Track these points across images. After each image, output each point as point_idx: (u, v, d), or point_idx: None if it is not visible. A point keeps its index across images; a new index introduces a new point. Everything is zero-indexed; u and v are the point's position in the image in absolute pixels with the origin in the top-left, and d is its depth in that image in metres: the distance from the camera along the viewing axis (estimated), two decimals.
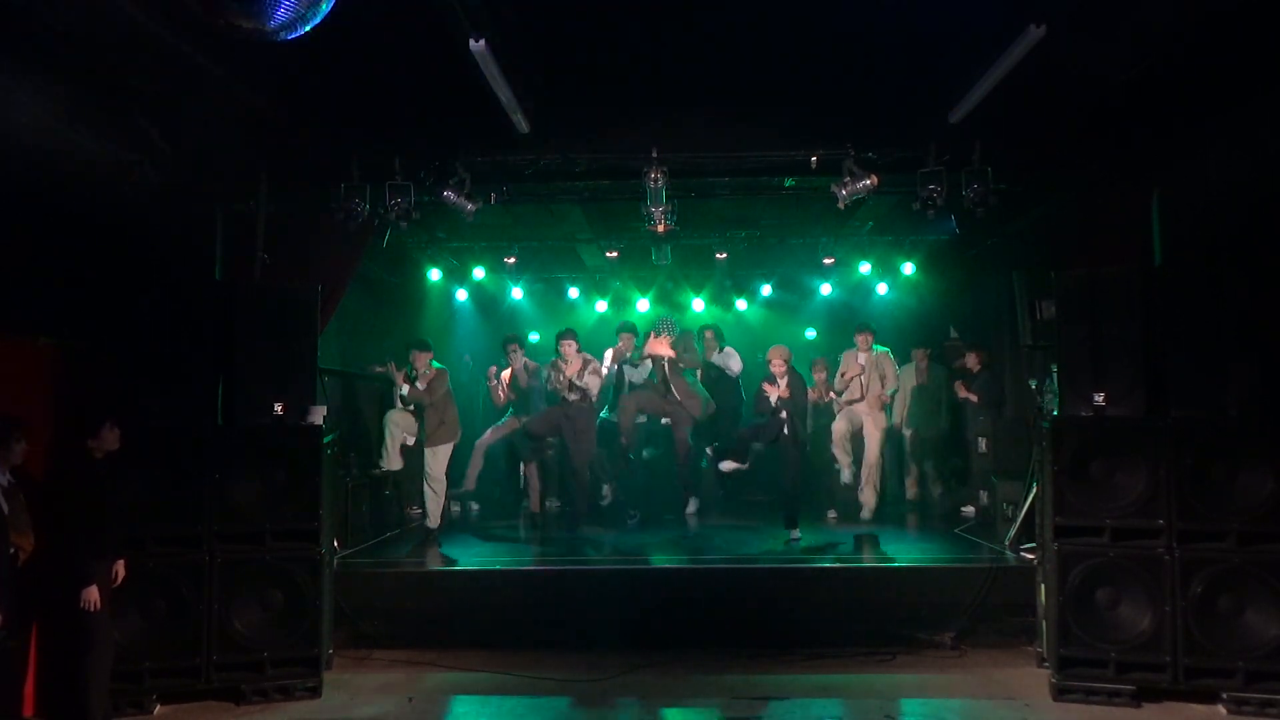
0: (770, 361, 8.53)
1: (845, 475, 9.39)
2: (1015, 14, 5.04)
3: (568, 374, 8.69)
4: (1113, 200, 7.27)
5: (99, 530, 5.25)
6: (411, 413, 9.01)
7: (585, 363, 8.87)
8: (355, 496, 8.69)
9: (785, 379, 8.27)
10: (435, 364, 8.82)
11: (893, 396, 9.68)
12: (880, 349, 9.54)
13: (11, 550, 4.93)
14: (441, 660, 6.55)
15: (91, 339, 6.16)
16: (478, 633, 6.84)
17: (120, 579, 5.43)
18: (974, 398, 9.55)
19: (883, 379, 9.48)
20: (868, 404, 9.35)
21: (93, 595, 5.10)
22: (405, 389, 8.74)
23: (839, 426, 9.43)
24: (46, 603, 5.24)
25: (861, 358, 9.42)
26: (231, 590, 5.88)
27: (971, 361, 9.74)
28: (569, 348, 8.86)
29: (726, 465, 8.57)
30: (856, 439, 9.43)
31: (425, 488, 8.76)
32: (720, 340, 10.00)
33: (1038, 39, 5.06)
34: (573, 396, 8.73)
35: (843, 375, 9.37)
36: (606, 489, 9.33)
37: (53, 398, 5.91)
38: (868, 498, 9.24)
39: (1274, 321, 5.84)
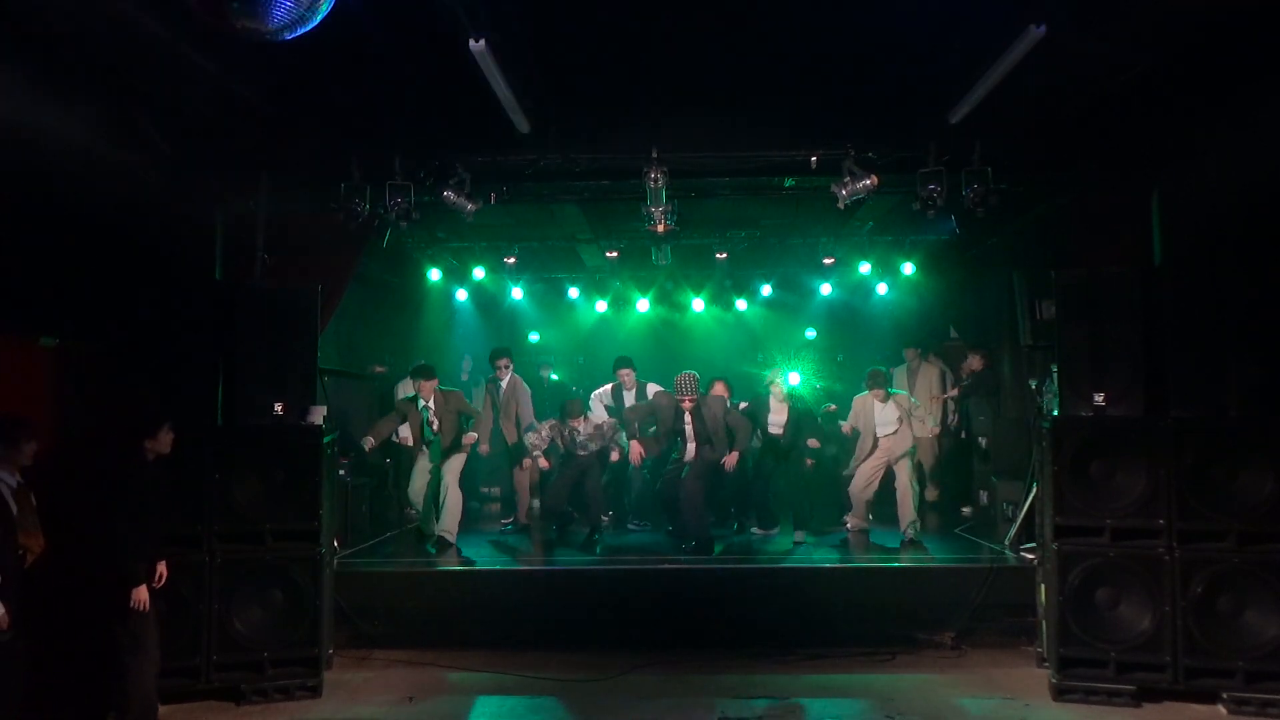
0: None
1: (850, 522, 8.89)
2: (1015, 14, 5.04)
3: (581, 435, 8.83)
4: (1113, 200, 7.27)
5: (146, 532, 5.27)
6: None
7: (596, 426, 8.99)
8: (355, 496, 8.68)
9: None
10: (442, 388, 8.60)
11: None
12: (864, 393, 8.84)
13: (20, 551, 4.94)
14: (441, 660, 6.56)
15: (92, 339, 6.16)
16: (478, 633, 6.85)
17: (163, 579, 5.45)
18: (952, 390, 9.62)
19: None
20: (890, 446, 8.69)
21: (142, 595, 5.12)
22: (434, 422, 8.42)
23: (863, 476, 8.78)
24: (91, 603, 5.26)
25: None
26: (231, 590, 5.89)
27: (975, 363, 9.75)
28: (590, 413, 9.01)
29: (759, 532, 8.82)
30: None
31: (443, 502, 8.40)
32: (730, 392, 9.41)
33: (1037, 39, 5.06)
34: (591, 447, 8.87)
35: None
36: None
37: (53, 398, 5.92)
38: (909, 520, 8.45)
39: (1274, 321, 5.83)
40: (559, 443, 8.89)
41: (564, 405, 9.00)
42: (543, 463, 8.90)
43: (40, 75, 5.07)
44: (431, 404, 8.42)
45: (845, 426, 8.96)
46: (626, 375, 9.49)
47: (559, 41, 5.70)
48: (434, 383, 8.48)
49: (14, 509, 4.88)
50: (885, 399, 8.64)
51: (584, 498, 8.89)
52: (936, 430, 9.47)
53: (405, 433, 9.10)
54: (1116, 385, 5.97)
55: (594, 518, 8.82)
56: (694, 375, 8.37)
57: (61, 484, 5.43)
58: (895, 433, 8.59)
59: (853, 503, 8.92)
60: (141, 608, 5.11)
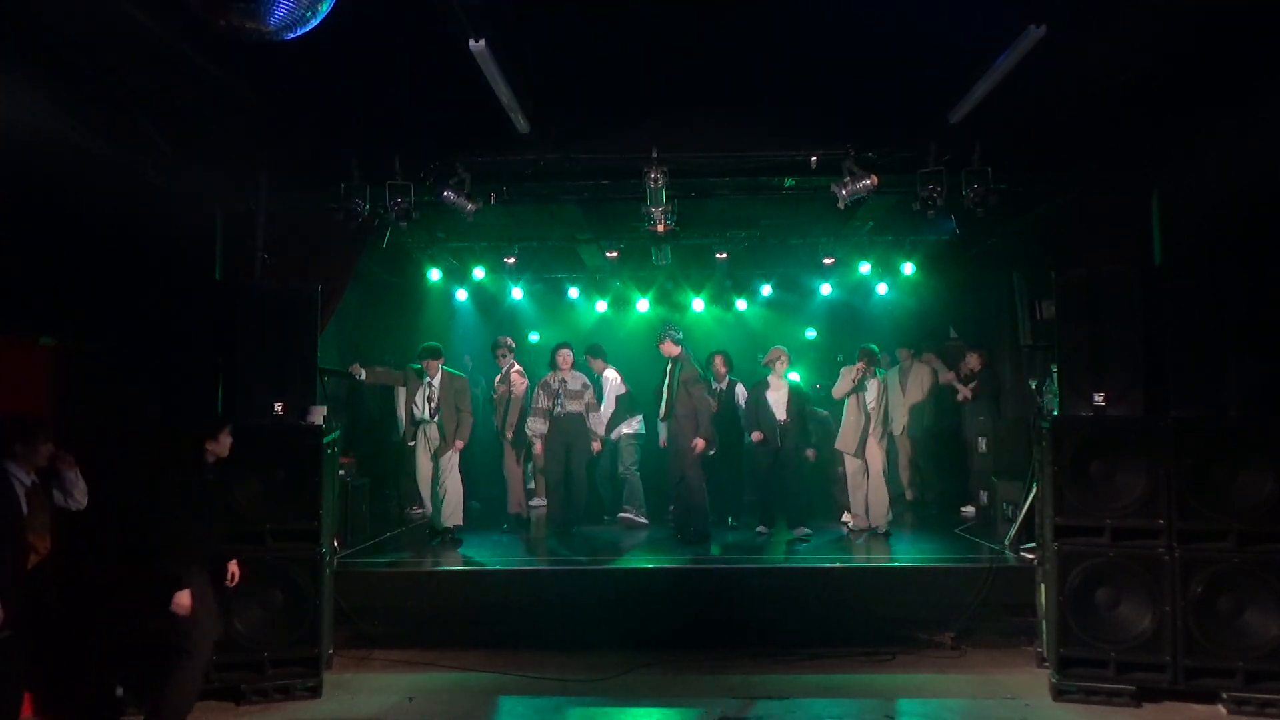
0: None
1: (852, 520, 8.90)
2: (1015, 14, 5.04)
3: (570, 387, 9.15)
4: (1113, 200, 7.27)
5: (198, 534, 5.24)
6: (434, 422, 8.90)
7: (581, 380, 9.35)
8: (355, 496, 8.68)
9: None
10: (448, 368, 8.83)
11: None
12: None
13: (26, 551, 4.93)
14: (441, 660, 6.56)
15: (92, 339, 6.16)
16: (478, 633, 6.84)
17: (235, 579, 5.52)
18: (965, 391, 9.62)
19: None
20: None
21: (184, 600, 5.06)
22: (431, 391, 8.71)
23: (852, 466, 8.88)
24: (132, 604, 5.31)
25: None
26: (232, 590, 5.87)
27: (973, 362, 9.76)
28: (566, 359, 9.27)
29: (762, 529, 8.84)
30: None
31: (440, 489, 8.62)
32: (729, 367, 9.73)
33: (1038, 39, 5.06)
34: (574, 407, 9.11)
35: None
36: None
37: (53, 398, 5.92)
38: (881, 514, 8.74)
39: (1274, 321, 5.83)
40: (549, 400, 9.12)
41: (554, 352, 9.37)
42: (537, 448, 9.18)
43: (41, 75, 5.08)
44: (436, 382, 8.64)
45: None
46: (595, 363, 9.91)
47: (559, 41, 5.70)
48: (440, 361, 8.75)
49: (25, 509, 4.90)
50: (868, 377, 8.74)
51: (570, 480, 9.07)
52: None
53: (404, 432, 9.15)
54: (1116, 385, 5.97)
55: (573, 507, 8.98)
56: (675, 329, 8.72)
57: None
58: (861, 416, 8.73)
59: (850, 498, 8.94)
60: (183, 612, 5.07)
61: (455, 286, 12.06)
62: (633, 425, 9.68)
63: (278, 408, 6.17)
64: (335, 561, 6.75)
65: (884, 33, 5.43)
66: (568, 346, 9.42)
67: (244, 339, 6.22)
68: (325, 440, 6.22)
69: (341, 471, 8.09)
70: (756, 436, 8.71)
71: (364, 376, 8.60)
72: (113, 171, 6.00)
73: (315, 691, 5.94)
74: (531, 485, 10.28)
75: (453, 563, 7.81)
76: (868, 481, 8.76)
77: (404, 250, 10.54)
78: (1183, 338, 5.90)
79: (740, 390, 9.52)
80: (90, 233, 6.06)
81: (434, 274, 11.41)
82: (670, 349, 8.60)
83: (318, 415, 6.25)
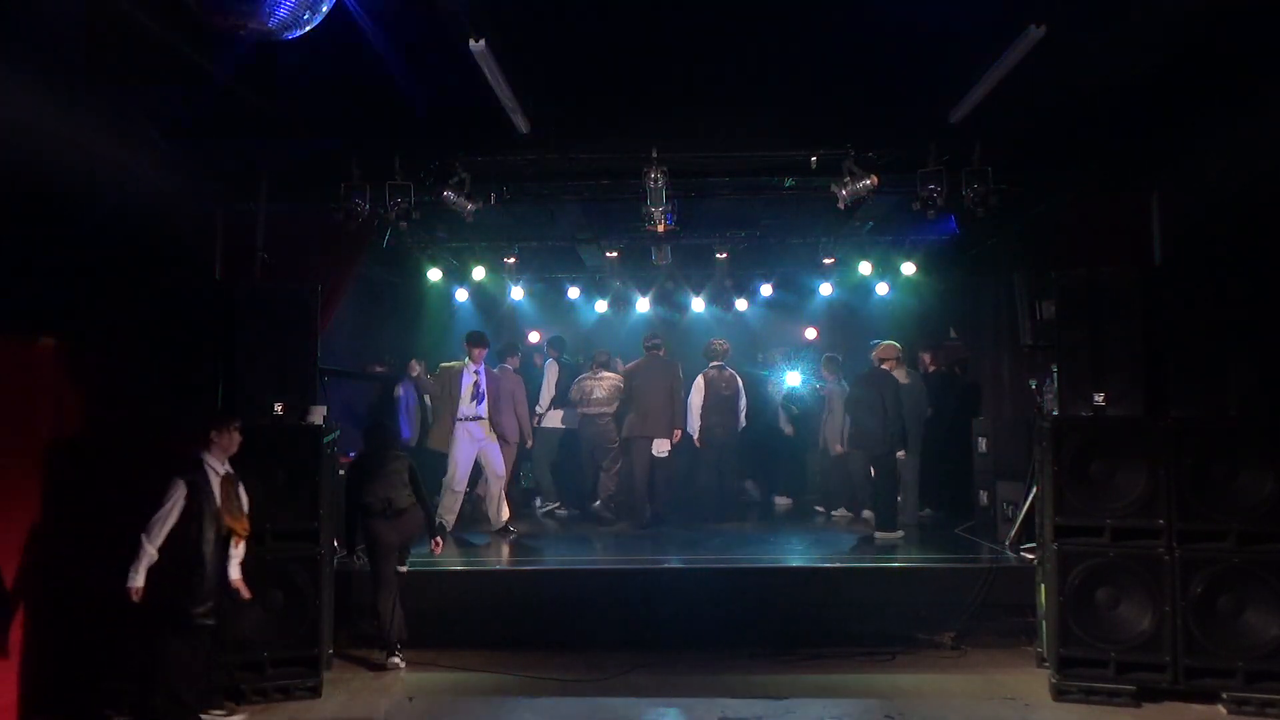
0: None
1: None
2: (1015, 14, 5.04)
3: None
4: (1112, 200, 7.28)
5: None
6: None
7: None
8: None
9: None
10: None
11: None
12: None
13: (224, 534, 5.34)
14: (441, 660, 6.55)
15: (91, 339, 6.16)
16: (478, 633, 6.84)
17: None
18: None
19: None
20: None
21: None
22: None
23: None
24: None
25: None
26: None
27: (926, 361, 9.80)
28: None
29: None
30: None
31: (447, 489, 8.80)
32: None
33: (1037, 39, 5.07)
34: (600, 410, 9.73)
35: None
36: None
37: (53, 398, 5.91)
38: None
39: (1274, 321, 5.84)
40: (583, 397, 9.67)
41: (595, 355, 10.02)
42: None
43: (41, 75, 5.07)
44: (481, 371, 8.58)
45: None
46: (553, 353, 10.50)
47: (559, 41, 5.70)
48: (485, 350, 8.71)
49: (219, 497, 5.26)
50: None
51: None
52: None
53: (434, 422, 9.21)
54: (1116, 385, 5.97)
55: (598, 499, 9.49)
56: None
57: (67, 481, 5.46)
58: None
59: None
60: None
61: (455, 286, 12.06)
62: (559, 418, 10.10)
63: (278, 408, 6.17)
64: (335, 561, 6.75)
65: (883, 32, 5.42)
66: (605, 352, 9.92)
67: (244, 339, 6.22)
68: (325, 440, 6.22)
69: (341, 471, 8.09)
70: (902, 455, 8.94)
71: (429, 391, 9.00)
72: (113, 171, 5.99)
73: (315, 691, 5.94)
74: (528, 485, 10.35)
75: (452, 563, 7.80)
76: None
77: (404, 250, 10.53)
78: (1183, 338, 5.91)
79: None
80: (90, 232, 6.05)
81: (434, 274, 11.40)
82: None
83: (318, 415, 6.26)
